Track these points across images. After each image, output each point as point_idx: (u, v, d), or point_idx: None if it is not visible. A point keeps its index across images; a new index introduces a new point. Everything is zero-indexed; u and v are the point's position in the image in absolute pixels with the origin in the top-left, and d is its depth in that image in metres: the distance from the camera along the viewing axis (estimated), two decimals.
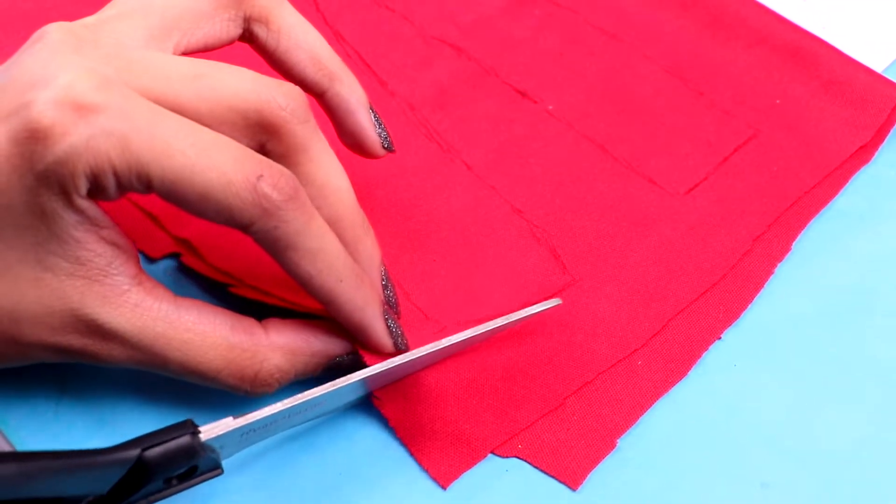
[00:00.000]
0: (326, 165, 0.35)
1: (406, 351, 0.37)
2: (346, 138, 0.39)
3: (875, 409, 0.37)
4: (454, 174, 0.43)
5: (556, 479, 0.36)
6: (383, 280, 0.37)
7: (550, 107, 0.45)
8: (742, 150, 0.44)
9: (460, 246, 0.41)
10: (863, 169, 0.44)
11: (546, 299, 0.38)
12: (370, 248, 0.37)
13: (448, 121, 0.45)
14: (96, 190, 0.32)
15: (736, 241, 0.41)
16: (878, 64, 0.47)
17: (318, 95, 0.38)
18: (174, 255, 0.41)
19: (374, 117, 0.39)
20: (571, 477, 0.36)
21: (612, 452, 0.36)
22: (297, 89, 0.34)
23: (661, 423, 0.37)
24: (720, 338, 0.39)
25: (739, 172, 0.43)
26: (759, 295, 0.40)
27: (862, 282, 0.41)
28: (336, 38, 0.48)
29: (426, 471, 0.36)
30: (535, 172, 0.43)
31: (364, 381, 0.35)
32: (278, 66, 0.38)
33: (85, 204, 0.32)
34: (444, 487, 0.36)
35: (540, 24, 0.48)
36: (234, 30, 0.37)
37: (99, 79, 0.31)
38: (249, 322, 0.36)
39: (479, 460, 0.36)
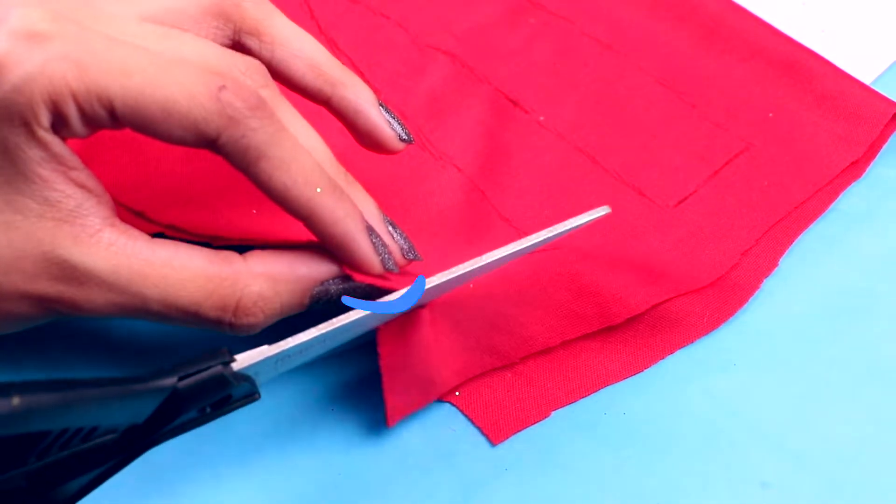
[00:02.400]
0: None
1: (395, 273, 0.36)
2: (362, 139, 0.39)
3: (875, 409, 0.37)
4: (445, 180, 0.43)
5: (481, 430, 0.37)
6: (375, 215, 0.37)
7: (541, 118, 0.46)
8: (733, 164, 0.44)
9: (447, 247, 0.41)
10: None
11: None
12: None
13: (440, 129, 0.45)
14: (60, 122, 0.31)
15: (724, 254, 0.41)
16: (878, 67, 0.48)
17: (324, 103, 0.38)
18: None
19: (386, 112, 0.38)
20: (494, 431, 0.36)
21: (611, 452, 0.36)
22: None
23: (661, 422, 0.37)
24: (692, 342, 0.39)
25: (730, 186, 0.43)
26: (759, 295, 0.40)
27: (862, 282, 0.41)
28: (330, 45, 0.48)
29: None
30: (524, 182, 0.43)
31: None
32: (276, 76, 0.37)
33: (48, 137, 0.31)
34: (388, 426, 0.36)
35: (535, 34, 0.49)
36: (221, 39, 0.37)
37: (53, 12, 0.32)
38: (227, 253, 0.35)
39: (425, 405, 0.37)
